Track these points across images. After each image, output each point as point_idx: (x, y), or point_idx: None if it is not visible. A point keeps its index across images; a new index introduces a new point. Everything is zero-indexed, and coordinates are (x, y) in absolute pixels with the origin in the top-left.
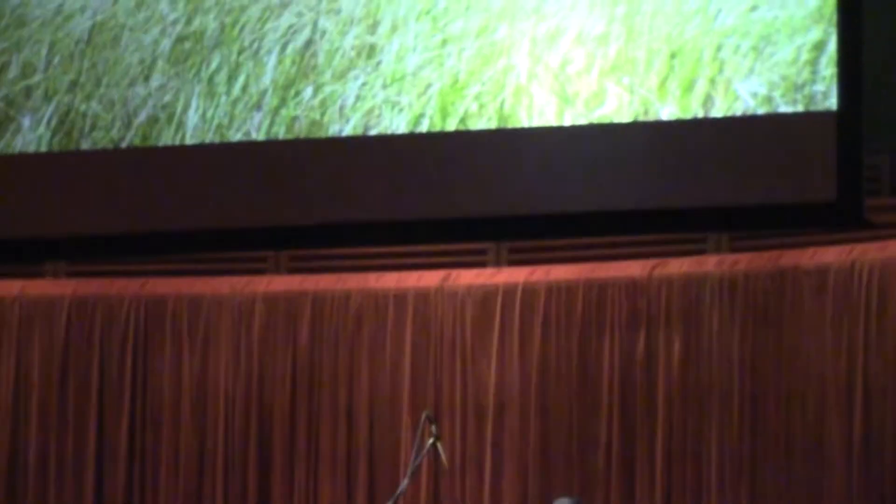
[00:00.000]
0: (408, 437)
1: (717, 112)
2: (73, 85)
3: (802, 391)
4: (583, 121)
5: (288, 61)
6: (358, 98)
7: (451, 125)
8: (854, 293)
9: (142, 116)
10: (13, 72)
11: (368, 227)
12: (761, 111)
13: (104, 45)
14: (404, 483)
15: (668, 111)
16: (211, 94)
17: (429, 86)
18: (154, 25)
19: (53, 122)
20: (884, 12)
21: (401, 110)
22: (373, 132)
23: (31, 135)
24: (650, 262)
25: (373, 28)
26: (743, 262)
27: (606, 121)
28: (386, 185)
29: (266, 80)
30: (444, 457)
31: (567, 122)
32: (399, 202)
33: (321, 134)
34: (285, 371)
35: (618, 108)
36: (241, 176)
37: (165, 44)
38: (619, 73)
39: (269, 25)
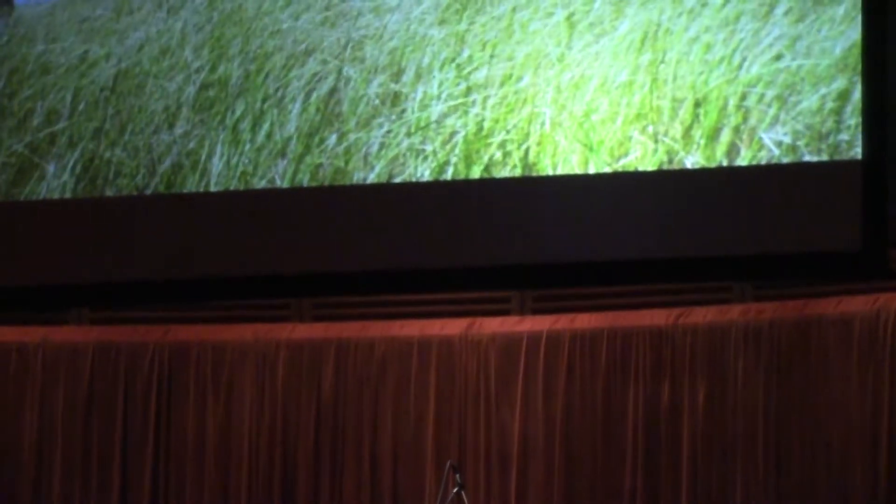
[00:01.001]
0: (432, 486)
1: (742, 161)
2: (98, 132)
3: (827, 440)
4: (607, 169)
5: (312, 109)
6: (382, 146)
7: (476, 173)
8: (879, 343)
9: (166, 163)
10: (38, 119)
11: (392, 274)
12: (786, 160)
13: (129, 92)
14: None
15: (692, 160)
16: (235, 141)
17: (453, 133)
18: (178, 73)
19: (78, 169)
20: None
21: (425, 158)
22: (397, 180)
23: (56, 181)
24: (675, 311)
25: (397, 76)
26: (768, 311)
27: (631, 169)
28: (410, 233)
29: (290, 128)
30: None
31: (591, 171)
32: (423, 250)
33: (345, 181)
34: (309, 418)
35: (642, 156)
36: (265, 223)
37: (190, 91)
38: (643, 122)
39: (293, 73)
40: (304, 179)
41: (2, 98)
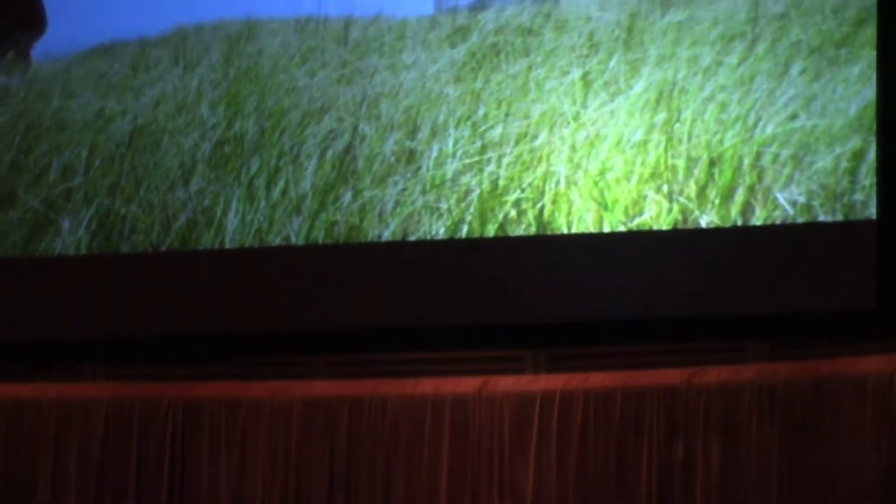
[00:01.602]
0: None
1: (757, 220)
2: (114, 188)
3: (841, 501)
4: (622, 228)
5: (328, 166)
6: (397, 203)
7: (491, 231)
8: (894, 403)
9: (181, 220)
10: (54, 174)
11: (406, 332)
12: (801, 220)
13: (144, 148)
14: None
15: (707, 219)
16: (250, 197)
17: (468, 191)
18: (194, 129)
19: (93, 225)
20: None
21: (440, 216)
22: (412, 237)
23: (71, 237)
24: (688, 370)
25: (412, 134)
26: (782, 371)
27: (645, 228)
28: (425, 291)
29: (306, 185)
30: None
31: (606, 229)
32: (438, 308)
33: (360, 239)
34: (322, 475)
35: (657, 215)
36: (279, 280)
37: (205, 147)
38: (658, 181)
39: (309, 130)
40: (320, 236)
41: (18, 154)
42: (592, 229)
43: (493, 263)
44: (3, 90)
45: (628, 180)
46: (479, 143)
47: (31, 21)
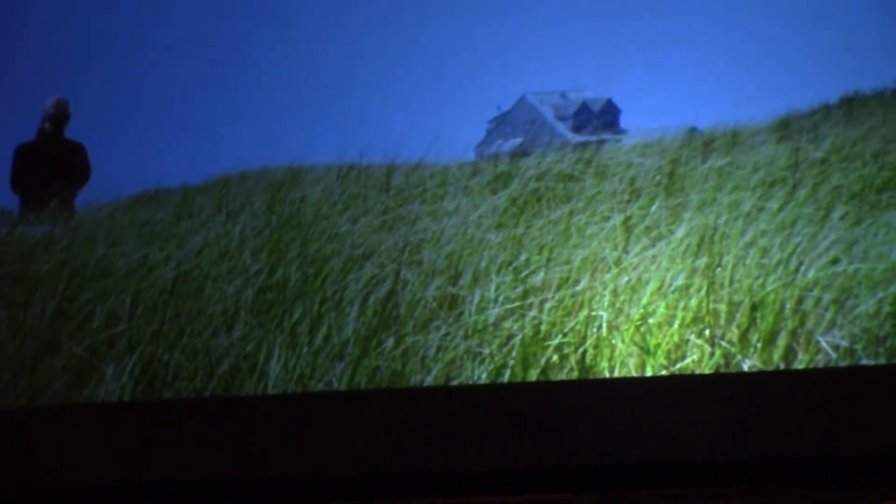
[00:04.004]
0: None
1: (799, 364)
2: (157, 335)
3: None
4: (664, 372)
5: (370, 312)
6: (439, 349)
7: (533, 376)
8: None
9: (224, 366)
10: (97, 322)
11: (450, 476)
12: (843, 364)
13: (187, 295)
14: None
15: (749, 363)
16: (293, 344)
17: (510, 336)
18: (237, 276)
19: (136, 372)
20: None
21: (482, 361)
22: (454, 382)
23: (115, 384)
24: None
25: (454, 279)
26: None
27: (688, 372)
28: (467, 435)
29: (348, 331)
30: None
31: (648, 374)
32: (480, 452)
33: (403, 384)
34: None
35: (699, 359)
36: (322, 426)
37: (248, 294)
38: (700, 325)
39: (351, 276)
40: (362, 382)
41: (62, 301)
42: (635, 373)
43: (535, 408)
44: (48, 238)
45: (670, 325)
46: (520, 289)
47: (76, 170)
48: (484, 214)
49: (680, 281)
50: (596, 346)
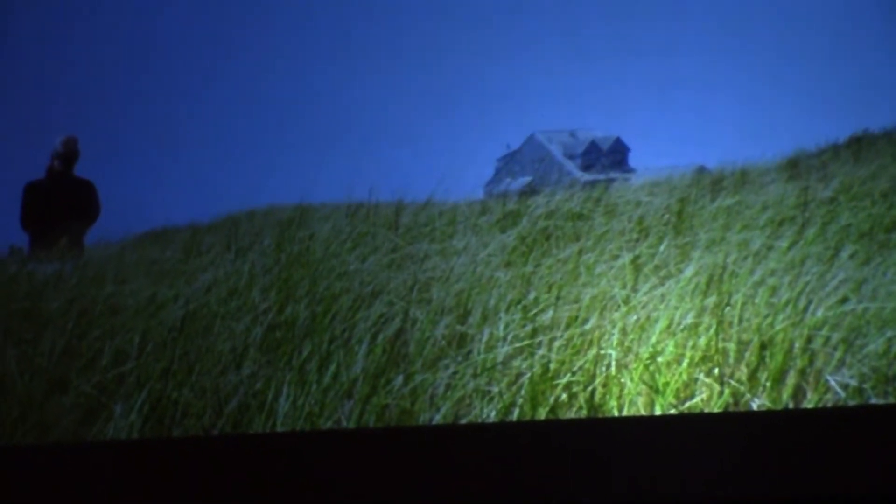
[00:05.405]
0: None
1: (808, 403)
2: (166, 372)
3: None
4: (673, 411)
5: (379, 350)
6: (448, 387)
7: (542, 414)
8: None
9: (233, 404)
10: (106, 359)
11: None
12: (852, 403)
13: (196, 333)
14: None
15: (758, 402)
16: (302, 381)
17: (519, 375)
18: (246, 314)
19: (145, 409)
20: None
21: (491, 399)
22: (463, 421)
23: (123, 422)
24: None
25: (463, 318)
26: None
27: (696, 411)
28: (477, 474)
29: (357, 369)
30: None
31: (657, 412)
32: (490, 490)
33: (411, 422)
34: None
35: (708, 398)
36: (331, 463)
37: (257, 332)
38: (709, 364)
39: (360, 314)
40: (371, 420)
41: (71, 339)
42: (644, 412)
43: (544, 446)
44: (57, 276)
45: (679, 363)
46: (529, 327)
47: (85, 208)
48: (493, 253)
49: (689, 320)
50: (605, 385)
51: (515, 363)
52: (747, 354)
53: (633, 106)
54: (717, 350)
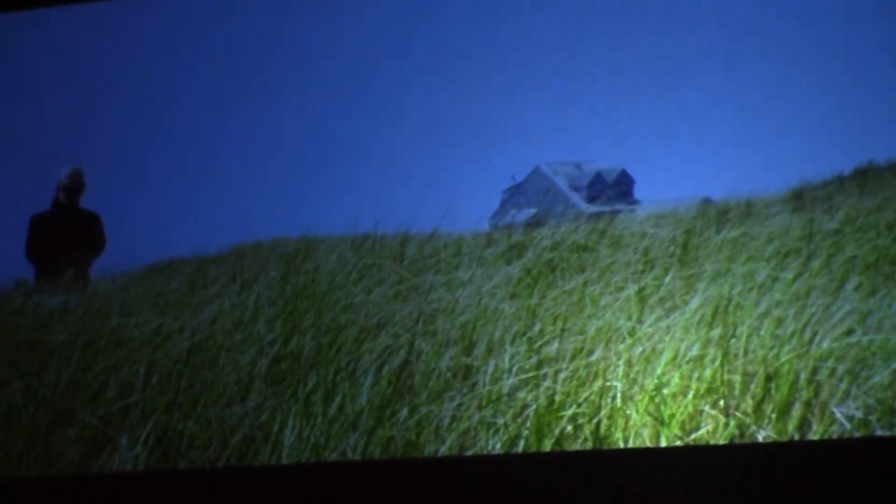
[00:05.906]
0: None
1: (814, 435)
2: (171, 404)
3: None
4: (678, 443)
5: (384, 382)
6: (454, 419)
7: (547, 446)
8: None
9: (238, 435)
10: (111, 391)
11: None
12: (857, 434)
13: (202, 365)
14: None
15: (763, 434)
16: (307, 413)
17: (524, 407)
18: (251, 346)
19: (151, 441)
20: None
21: (496, 431)
22: (468, 452)
23: (129, 454)
24: None
25: (468, 349)
26: None
27: (702, 443)
28: None
29: (362, 400)
30: None
31: (662, 444)
32: None
33: (417, 454)
34: None
35: (713, 430)
36: (337, 496)
37: (262, 364)
38: (714, 396)
39: (365, 346)
40: (376, 452)
41: (76, 371)
42: (649, 444)
43: (550, 478)
44: (62, 308)
45: (685, 395)
46: (535, 359)
47: (90, 239)
48: (498, 285)
49: (694, 351)
50: (610, 417)
51: (521, 395)
52: (753, 386)
53: (638, 138)
54: (722, 382)
